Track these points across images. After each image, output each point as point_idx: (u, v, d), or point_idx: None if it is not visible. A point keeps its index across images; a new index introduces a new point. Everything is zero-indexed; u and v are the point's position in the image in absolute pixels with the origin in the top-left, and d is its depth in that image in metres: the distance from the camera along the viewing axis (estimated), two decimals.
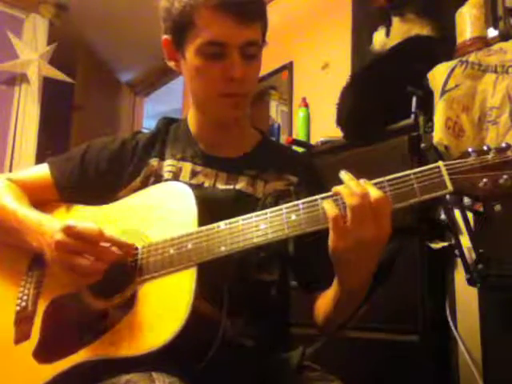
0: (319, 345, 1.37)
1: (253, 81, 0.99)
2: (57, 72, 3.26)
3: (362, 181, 0.76)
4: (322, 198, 0.78)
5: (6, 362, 0.90)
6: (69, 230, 0.82)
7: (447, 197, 1.33)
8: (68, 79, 3.32)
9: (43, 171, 1.07)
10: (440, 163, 0.75)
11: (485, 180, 0.73)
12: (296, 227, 0.79)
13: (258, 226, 0.81)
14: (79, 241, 0.82)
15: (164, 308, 0.80)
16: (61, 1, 3.35)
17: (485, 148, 0.74)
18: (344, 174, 0.77)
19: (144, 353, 0.77)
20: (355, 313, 0.91)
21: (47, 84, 3.26)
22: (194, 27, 0.91)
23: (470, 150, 0.75)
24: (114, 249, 0.84)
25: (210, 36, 0.90)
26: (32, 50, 3.21)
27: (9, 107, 3.19)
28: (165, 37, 0.98)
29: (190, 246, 0.83)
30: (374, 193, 0.73)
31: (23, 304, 0.93)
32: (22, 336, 0.90)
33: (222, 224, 0.83)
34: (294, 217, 0.79)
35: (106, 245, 0.84)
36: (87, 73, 3.72)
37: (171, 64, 1.01)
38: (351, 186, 0.74)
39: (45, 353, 0.87)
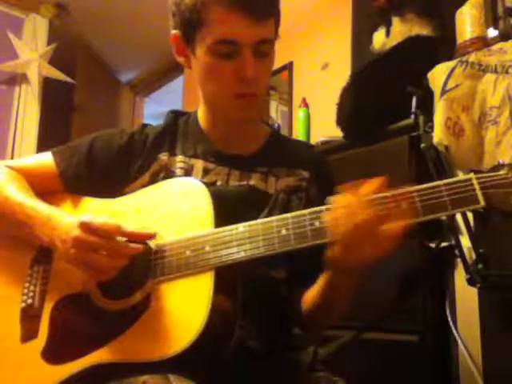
0: (334, 347, 1.36)
1: (265, 79, 0.95)
2: (57, 72, 3.25)
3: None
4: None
5: (13, 359, 0.88)
6: (86, 227, 0.80)
7: None
8: (68, 79, 3.31)
9: (47, 160, 1.03)
10: (472, 175, 0.71)
11: None
12: (320, 235, 0.76)
13: (280, 232, 0.77)
14: (97, 237, 0.80)
15: (181, 315, 0.77)
16: (61, 1, 3.35)
17: None
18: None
19: (159, 359, 0.75)
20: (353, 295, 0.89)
21: (47, 84, 3.24)
22: (204, 25, 0.88)
23: (501, 162, 0.71)
24: (132, 244, 0.82)
25: (222, 35, 0.87)
26: (32, 49, 3.20)
27: (9, 107, 3.18)
28: (174, 32, 0.95)
29: (207, 248, 0.80)
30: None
31: (29, 301, 0.90)
32: (29, 334, 0.87)
33: (240, 226, 0.80)
34: (317, 224, 0.76)
35: (124, 239, 0.82)
36: (87, 73, 3.71)
37: (180, 60, 0.98)
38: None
39: (54, 353, 0.84)
